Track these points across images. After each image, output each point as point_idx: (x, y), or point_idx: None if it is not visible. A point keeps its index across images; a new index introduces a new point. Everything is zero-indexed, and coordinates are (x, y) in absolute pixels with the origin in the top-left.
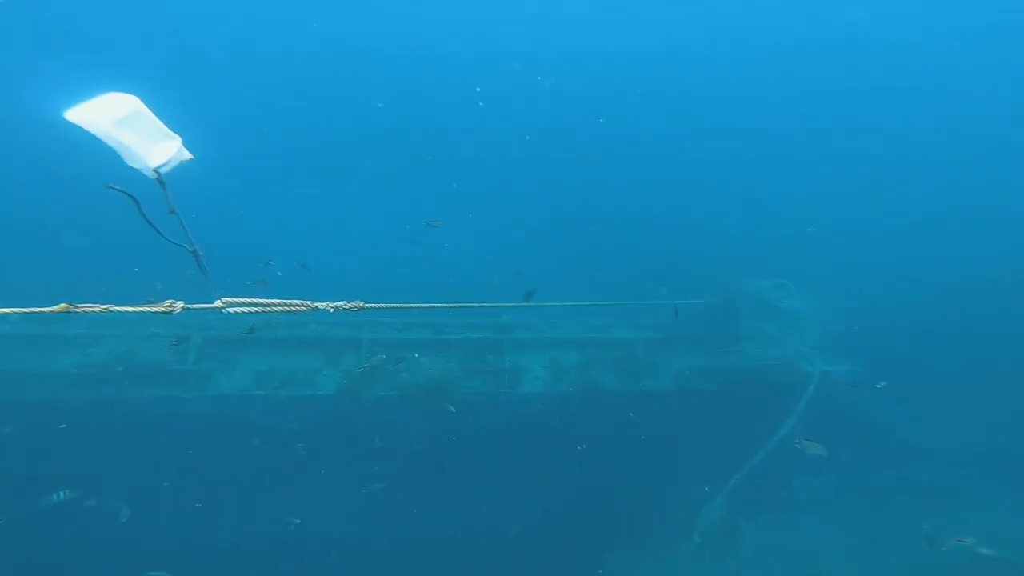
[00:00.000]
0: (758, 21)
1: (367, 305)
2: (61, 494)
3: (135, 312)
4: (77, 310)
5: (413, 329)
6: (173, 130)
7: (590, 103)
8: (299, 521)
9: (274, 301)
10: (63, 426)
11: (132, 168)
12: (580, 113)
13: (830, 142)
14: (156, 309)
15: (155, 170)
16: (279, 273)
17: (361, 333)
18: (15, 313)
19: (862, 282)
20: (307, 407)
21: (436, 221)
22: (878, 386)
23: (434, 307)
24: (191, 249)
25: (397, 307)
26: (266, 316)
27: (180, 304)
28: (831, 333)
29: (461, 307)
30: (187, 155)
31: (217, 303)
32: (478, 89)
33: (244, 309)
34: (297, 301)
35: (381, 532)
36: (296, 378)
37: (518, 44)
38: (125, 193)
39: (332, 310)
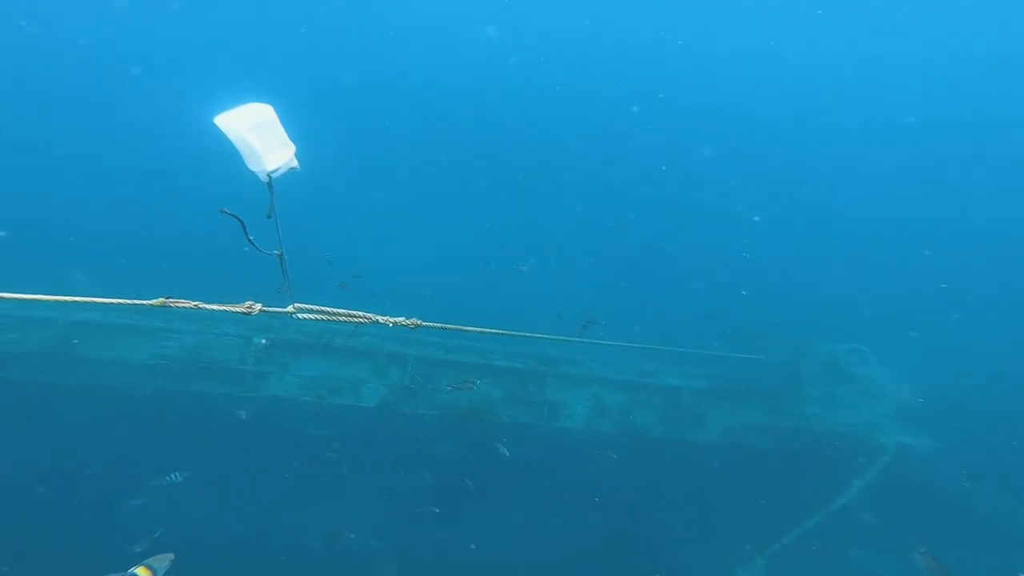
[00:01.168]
0: (856, 78)
1: (423, 323)
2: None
3: (220, 310)
4: (172, 304)
5: (460, 352)
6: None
7: (668, 146)
8: (353, 536)
9: (339, 311)
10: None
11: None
12: (657, 155)
13: (927, 203)
14: (238, 309)
15: (268, 174)
16: (341, 284)
17: (408, 350)
18: (122, 304)
19: (946, 352)
20: (349, 417)
21: (522, 265)
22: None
23: (486, 332)
24: (278, 253)
25: (451, 328)
26: (323, 326)
27: (258, 306)
28: (910, 405)
29: (513, 335)
30: (296, 164)
31: (290, 308)
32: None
33: (313, 316)
34: (360, 313)
35: (403, 549)
36: (342, 387)
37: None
38: (235, 217)
39: (391, 324)
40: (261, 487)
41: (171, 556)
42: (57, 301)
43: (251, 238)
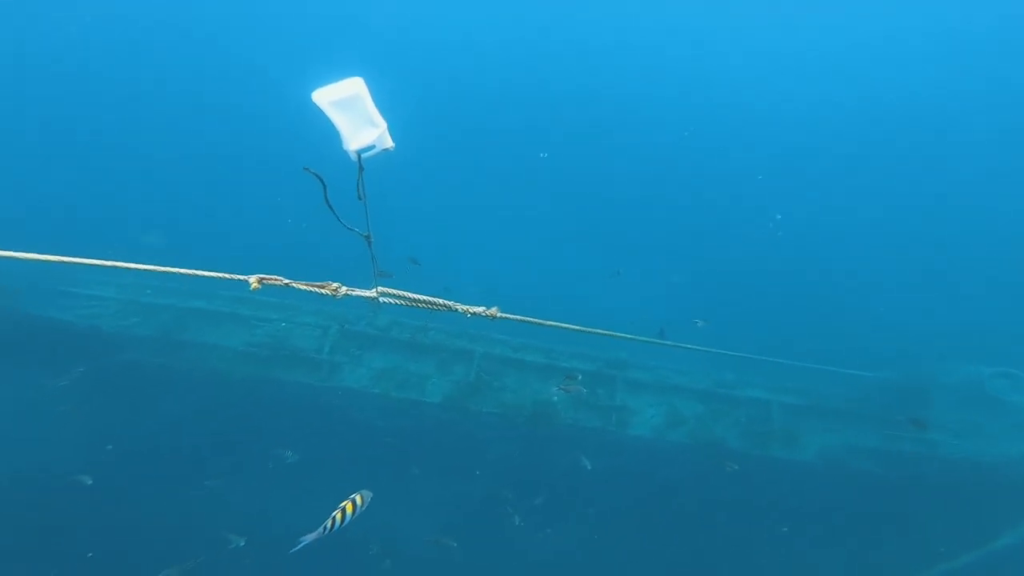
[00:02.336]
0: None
1: (502, 315)
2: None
3: (307, 290)
4: (266, 281)
5: (527, 351)
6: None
7: (773, 153)
8: (456, 545)
9: (420, 297)
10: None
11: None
12: (759, 163)
13: None
14: (325, 291)
15: (357, 153)
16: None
17: (475, 346)
18: (221, 278)
19: None
20: (414, 411)
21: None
22: None
23: (565, 327)
24: (365, 235)
25: (530, 321)
26: (393, 319)
27: (344, 289)
28: None
29: (594, 332)
30: (390, 143)
31: (374, 292)
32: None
33: (395, 301)
34: (440, 300)
35: (459, 552)
36: (409, 382)
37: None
38: (317, 177)
39: (469, 315)
40: (334, 480)
41: (371, 494)
42: (164, 272)
43: (331, 205)
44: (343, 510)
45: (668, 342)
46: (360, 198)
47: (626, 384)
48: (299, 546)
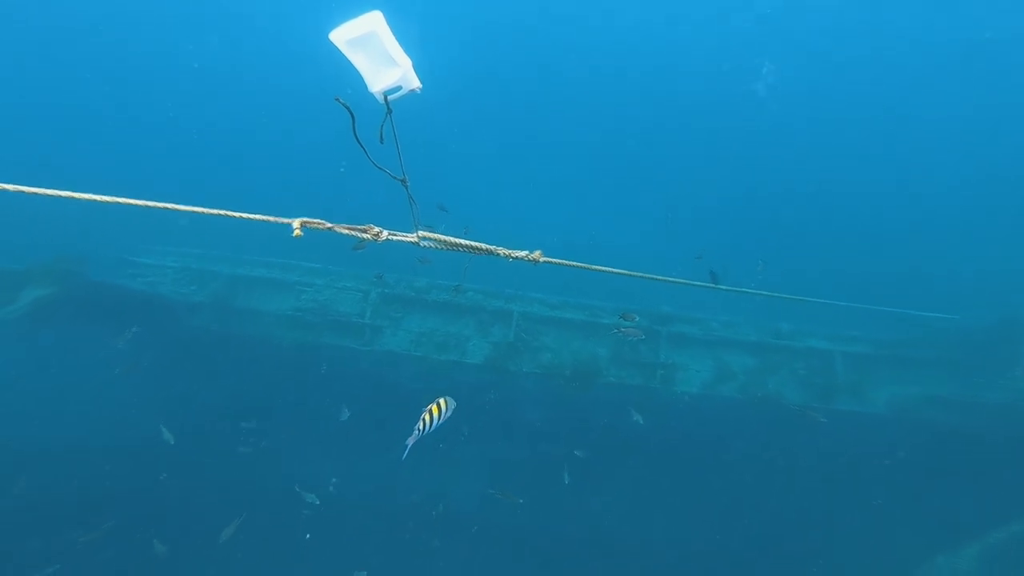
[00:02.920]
0: None
1: (545, 259)
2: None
3: (350, 234)
4: (308, 224)
5: (566, 309)
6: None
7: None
8: (521, 501)
9: (462, 241)
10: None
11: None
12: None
13: None
14: (366, 235)
15: (383, 94)
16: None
17: (513, 306)
18: (265, 220)
19: None
20: (456, 373)
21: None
22: None
23: (611, 271)
24: (401, 179)
25: (574, 265)
26: (430, 282)
27: (386, 233)
28: None
29: (643, 276)
30: (416, 84)
31: (414, 236)
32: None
33: (436, 245)
34: (483, 244)
35: (500, 515)
36: (448, 344)
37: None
38: (347, 108)
39: (512, 258)
40: (379, 443)
41: (455, 403)
42: (201, 213)
43: (360, 141)
44: (430, 412)
45: (722, 286)
46: (381, 141)
47: (671, 339)
48: (405, 452)
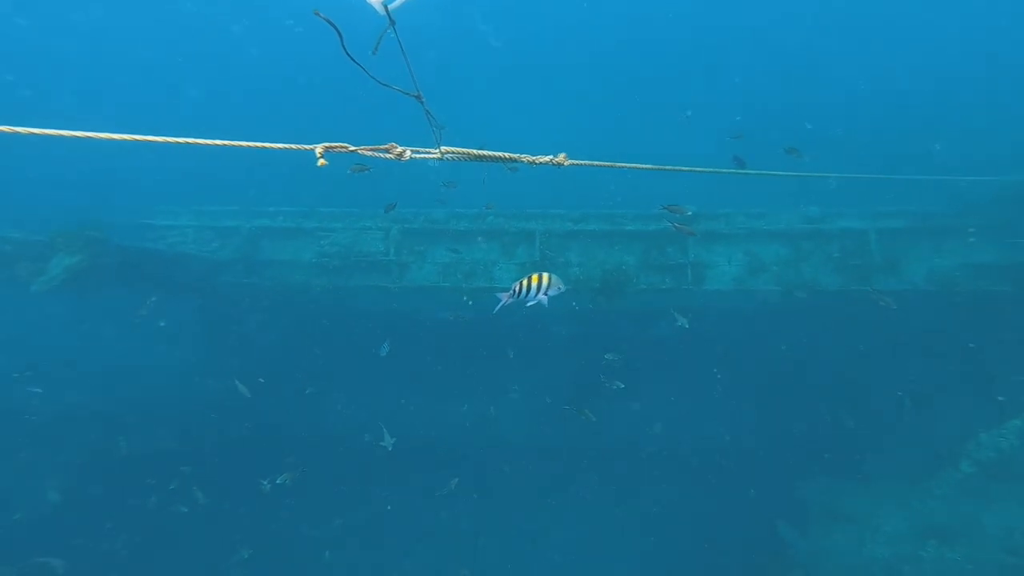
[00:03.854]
0: None
1: (570, 161)
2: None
3: (373, 155)
4: (331, 148)
5: (588, 221)
6: None
7: None
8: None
9: (484, 152)
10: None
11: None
12: None
13: None
14: (389, 155)
15: (383, 4)
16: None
17: (534, 225)
18: (287, 148)
19: None
20: (487, 299)
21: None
22: None
23: (640, 167)
24: (415, 94)
25: (601, 164)
26: (449, 211)
27: (409, 151)
28: None
29: (672, 169)
30: None
31: (437, 151)
32: None
33: (459, 157)
34: (506, 153)
35: (539, 437)
36: (476, 271)
37: None
38: (331, 24)
39: (536, 163)
40: (425, 375)
41: (562, 286)
42: (233, 146)
43: (353, 57)
44: (529, 279)
45: (750, 171)
46: (374, 53)
47: (698, 238)
48: (497, 307)
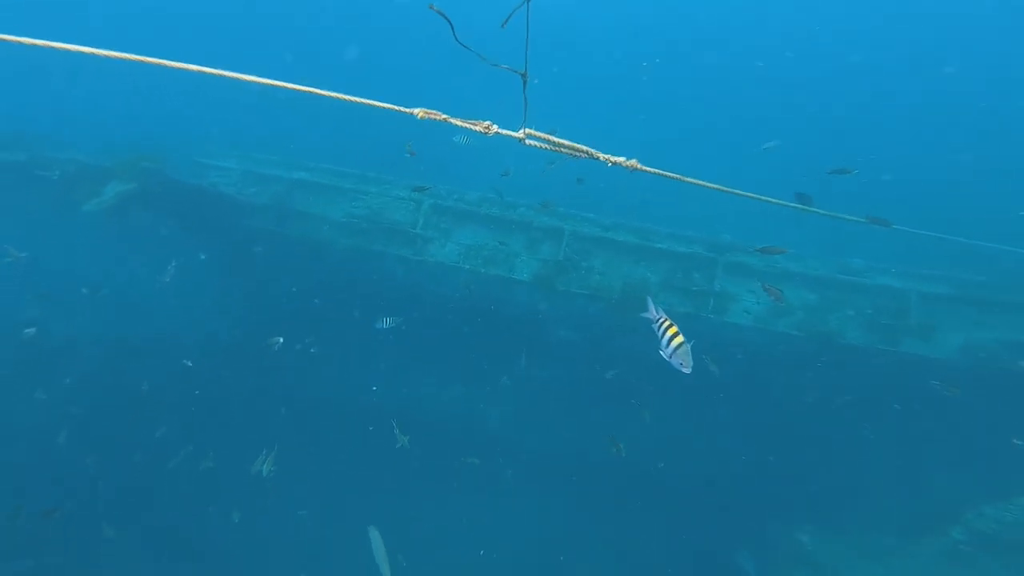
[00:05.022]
0: None
1: (642, 167)
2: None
3: (463, 126)
4: (429, 115)
5: (619, 231)
6: None
7: None
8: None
9: (565, 142)
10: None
11: None
12: None
13: None
14: (477, 127)
15: None
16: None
17: (564, 225)
18: (386, 108)
19: None
20: (502, 288)
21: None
22: None
23: (709, 186)
24: (522, 72)
25: (669, 175)
26: (482, 195)
27: (495, 127)
28: None
29: (734, 193)
30: None
31: (520, 133)
32: None
33: (540, 144)
34: (583, 147)
35: (533, 434)
36: (497, 258)
37: None
38: (443, 15)
39: (610, 163)
40: (424, 349)
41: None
42: (340, 99)
43: (463, 43)
44: (671, 325)
45: (813, 208)
46: (502, 26)
47: (728, 268)
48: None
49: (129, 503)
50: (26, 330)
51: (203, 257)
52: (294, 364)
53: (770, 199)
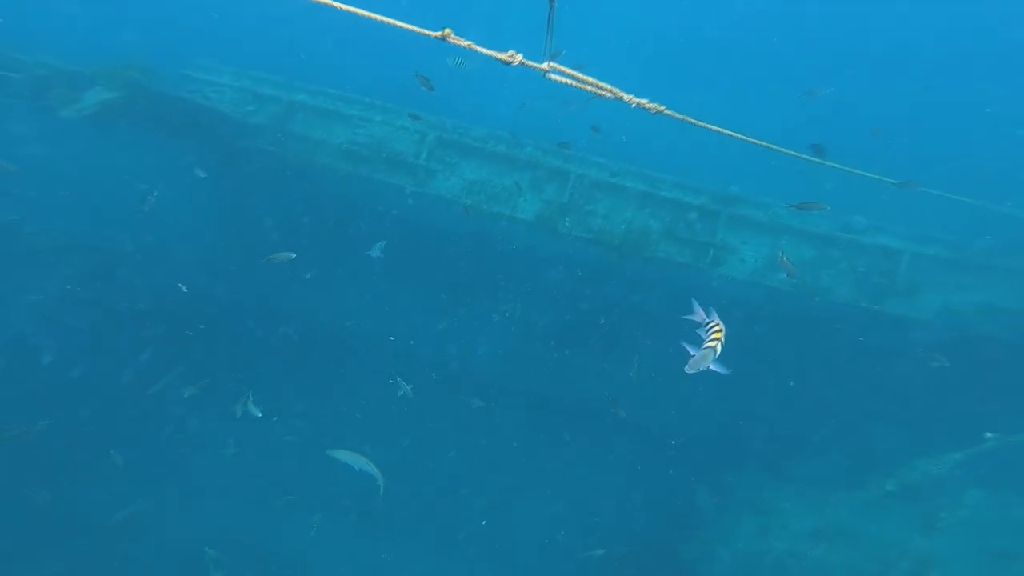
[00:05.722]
0: None
1: (669, 112)
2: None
3: (488, 55)
4: (454, 40)
5: (626, 176)
6: None
7: None
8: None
9: (590, 79)
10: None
11: None
12: None
13: None
14: (502, 57)
15: None
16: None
17: (571, 167)
18: (410, 30)
19: None
20: (502, 226)
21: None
22: None
23: (732, 135)
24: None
25: (693, 123)
26: (489, 132)
27: (519, 57)
28: None
29: (752, 142)
30: None
31: (545, 65)
32: None
33: (564, 80)
34: (608, 86)
35: (517, 372)
36: (500, 196)
37: None
38: None
39: (634, 105)
40: (418, 282)
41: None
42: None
43: None
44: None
45: (828, 162)
46: None
47: (732, 220)
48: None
49: (116, 425)
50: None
51: (203, 175)
52: (286, 288)
53: (789, 151)
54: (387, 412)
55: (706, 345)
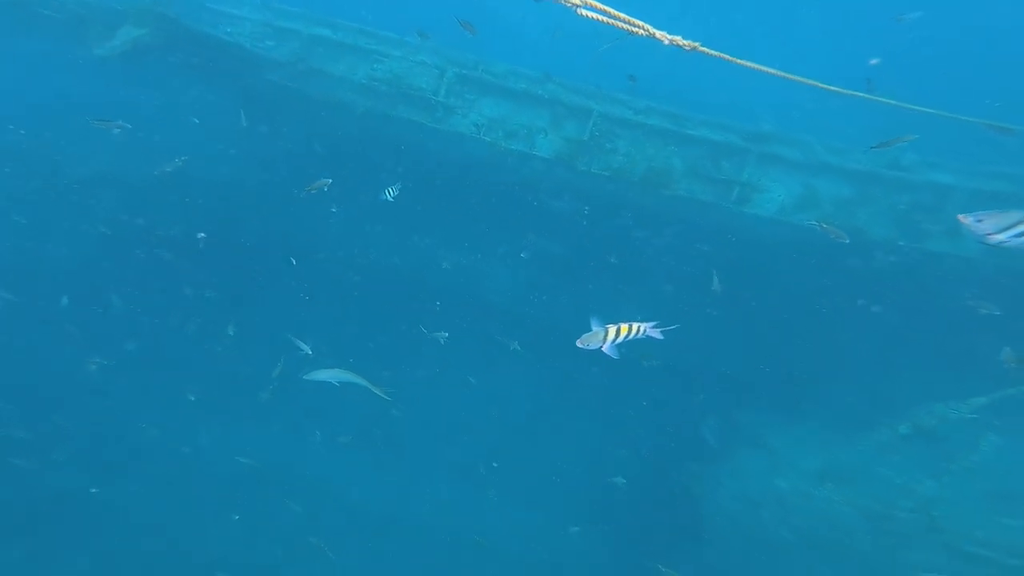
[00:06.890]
0: None
1: (703, 49)
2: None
3: None
4: None
5: (650, 114)
6: None
7: None
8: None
9: (621, 15)
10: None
11: None
12: None
13: None
14: None
15: None
16: None
17: (593, 104)
18: None
19: None
20: (521, 163)
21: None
22: None
23: (765, 70)
24: None
25: (730, 59)
26: (510, 68)
27: None
28: None
29: (794, 80)
30: None
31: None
32: None
33: (594, 15)
34: (640, 22)
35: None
36: (519, 133)
37: None
38: None
39: (667, 42)
40: (436, 220)
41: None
42: None
43: None
44: (618, 328)
45: (876, 97)
46: None
47: (761, 158)
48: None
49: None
50: None
51: (244, 123)
52: (310, 219)
53: (828, 86)
54: (408, 343)
55: (607, 326)
